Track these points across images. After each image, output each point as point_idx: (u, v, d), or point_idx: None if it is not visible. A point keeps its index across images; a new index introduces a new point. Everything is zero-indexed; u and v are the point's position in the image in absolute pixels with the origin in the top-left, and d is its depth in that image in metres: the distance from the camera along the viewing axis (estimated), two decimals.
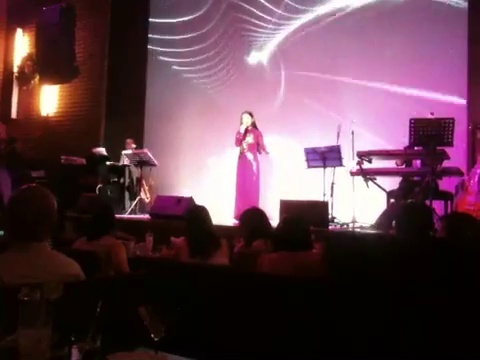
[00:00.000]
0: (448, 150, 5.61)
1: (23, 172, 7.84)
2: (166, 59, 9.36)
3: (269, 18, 8.53)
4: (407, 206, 3.16)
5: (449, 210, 5.88)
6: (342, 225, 6.30)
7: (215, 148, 8.54)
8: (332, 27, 7.95)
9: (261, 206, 6.91)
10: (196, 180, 8.64)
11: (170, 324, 1.55)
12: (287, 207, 5.90)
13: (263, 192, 7.57)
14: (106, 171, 8.38)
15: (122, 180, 8.41)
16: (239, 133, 7.42)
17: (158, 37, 9.50)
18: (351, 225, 6.14)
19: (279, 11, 8.44)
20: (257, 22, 8.65)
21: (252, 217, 4.06)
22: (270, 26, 8.54)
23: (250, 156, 7.45)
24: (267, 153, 7.54)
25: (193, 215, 3.96)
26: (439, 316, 1.95)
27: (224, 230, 5.17)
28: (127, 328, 1.85)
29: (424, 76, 7.17)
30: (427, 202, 5.49)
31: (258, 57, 8.71)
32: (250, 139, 7.43)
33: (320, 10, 8.13)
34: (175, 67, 9.23)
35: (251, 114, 7.46)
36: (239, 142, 7.48)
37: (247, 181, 7.42)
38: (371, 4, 7.71)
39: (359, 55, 7.67)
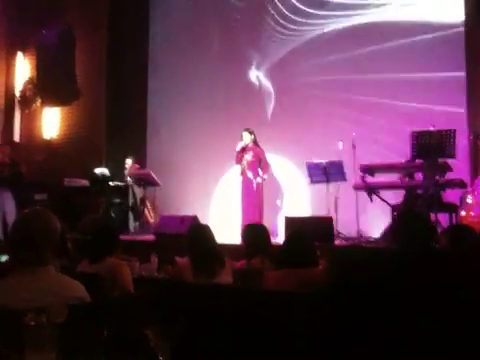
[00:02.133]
0: (451, 162, 5.60)
1: (27, 195, 7.85)
2: (167, 78, 9.41)
3: (269, 34, 8.60)
4: (401, 214, 3.12)
5: (454, 222, 5.85)
6: (347, 240, 6.28)
7: (220, 166, 8.54)
8: (331, 44, 8.01)
9: (266, 223, 6.91)
10: (201, 199, 8.63)
11: (177, 345, 1.53)
12: (292, 223, 5.89)
13: (268, 209, 7.55)
14: (109, 192, 8.38)
15: (126, 201, 8.40)
16: (238, 150, 7.43)
17: (158, 56, 9.58)
18: (356, 240, 6.12)
19: (278, 28, 8.52)
20: (257, 40, 8.72)
21: (251, 233, 4.03)
22: (271, 43, 8.61)
23: (250, 174, 7.43)
24: (262, 176, 7.40)
25: (195, 233, 3.91)
26: (444, 329, 1.93)
27: (230, 248, 5.14)
28: (134, 350, 1.83)
29: (423, 88, 7.20)
30: (432, 215, 5.47)
31: (258, 74, 8.76)
32: (249, 157, 7.41)
33: (319, 27, 8.21)
34: (176, 84, 9.28)
35: (251, 131, 7.45)
36: (238, 160, 7.48)
37: (249, 199, 7.40)
38: (369, 23, 7.78)
39: (359, 70, 7.72)
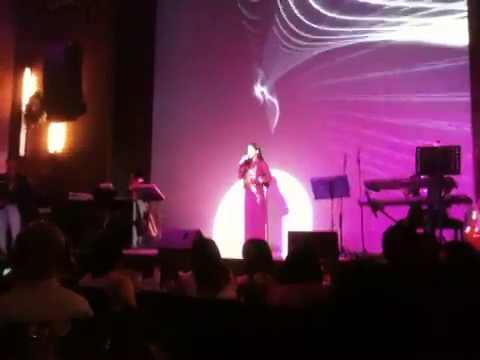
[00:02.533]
0: (456, 178, 5.59)
1: (32, 209, 7.85)
2: (172, 93, 9.47)
3: (275, 49, 8.66)
4: (387, 230, 3.12)
5: (459, 238, 5.82)
6: (352, 256, 6.24)
7: (224, 180, 8.53)
8: (337, 61, 8.06)
9: (270, 238, 6.89)
10: (205, 213, 8.63)
11: (180, 359, 1.52)
12: (296, 238, 5.87)
13: (271, 224, 7.54)
14: (113, 206, 8.38)
15: (130, 215, 8.40)
16: (240, 164, 7.43)
17: (164, 71, 9.64)
18: (360, 255, 6.08)
19: (284, 43, 8.58)
20: (261, 55, 8.79)
21: (252, 249, 4.00)
22: (276, 58, 8.66)
23: (254, 189, 7.43)
24: (263, 181, 7.40)
25: (199, 248, 3.89)
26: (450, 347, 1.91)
27: (234, 263, 5.11)
28: None
29: (429, 106, 7.22)
30: (437, 231, 5.45)
31: (263, 90, 8.80)
32: (253, 171, 7.42)
33: (326, 43, 8.26)
34: (181, 100, 9.32)
35: (255, 146, 7.47)
36: (241, 174, 7.48)
37: (253, 214, 7.39)
38: (376, 43, 7.85)
39: (365, 88, 7.76)
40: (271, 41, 8.70)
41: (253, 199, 7.41)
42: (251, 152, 7.43)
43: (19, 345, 1.37)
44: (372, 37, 7.89)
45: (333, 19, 8.17)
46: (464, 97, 7.00)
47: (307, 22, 8.40)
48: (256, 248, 4.00)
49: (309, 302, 2.81)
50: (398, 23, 7.72)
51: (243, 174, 7.45)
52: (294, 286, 3.03)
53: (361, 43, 7.92)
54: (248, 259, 3.89)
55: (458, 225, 5.90)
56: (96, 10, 9.35)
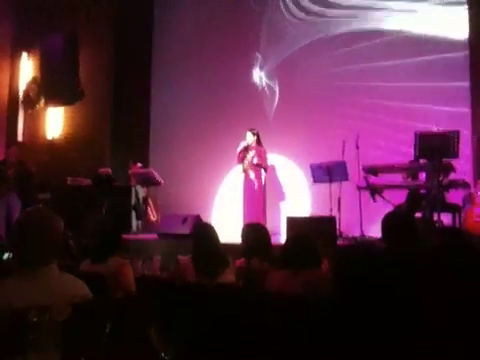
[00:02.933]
0: (454, 162, 5.59)
1: (32, 195, 7.84)
2: (170, 79, 9.42)
3: (273, 35, 8.61)
4: (386, 216, 3.12)
5: (457, 223, 5.84)
6: (350, 240, 6.27)
7: (223, 166, 8.53)
8: (337, 46, 8.01)
9: (269, 223, 6.91)
10: (204, 198, 8.64)
11: (179, 344, 1.53)
12: (294, 224, 5.87)
13: (270, 209, 7.55)
14: (112, 191, 8.38)
15: (128, 200, 8.41)
16: (239, 150, 7.44)
17: (163, 61, 9.59)
18: (359, 240, 6.11)
19: (285, 25, 8.52)
20: (260, 41, 8.73)
21: (251, 233, 4.00)
22: (275, 44, 8.61)
23: (252, 174, 7.44)
24: (258, 164, 7.40)
25: (199, 233, 3.91)
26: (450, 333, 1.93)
27: (232, 248, 5.13)
28: (136, 348, 1.83)
29: (428, 91, 7.20)
30: (435, 215, 5.46)
31: (260, 75, 8.76)
32: (251, 156, 7.42)
33: (325, 28, 8.20)
34: (180, 89, 9.28)
35: (254, 131, 7.48)
36: (239, 159, 7.49)
37: (251, 199, 7.40)
38: (376, 29, 7.81)
39: (364, 73, 7.73)
40: (269, 24, 8.63)
41: (251, 184, 7.43)
42: (250, 138, 7.44)
43: (20, 330, 1.38)
44: (366, 24, 7.84)
45: (335, 3, 8.12)
46: (464, 82, 6.98)
47: (307, 4, 8.35)
48: (254, 232, 4.01)
49: (308, 288, 2.83)
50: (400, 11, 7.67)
51: (242, 159, 7.46)
52: (293, 272, 3.04)
53: (360, 30, 7.87)
54: (246, 243, 3.91)
55: (456, 209, 5.92)
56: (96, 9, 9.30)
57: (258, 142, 7.49)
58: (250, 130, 7.49)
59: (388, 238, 2.99)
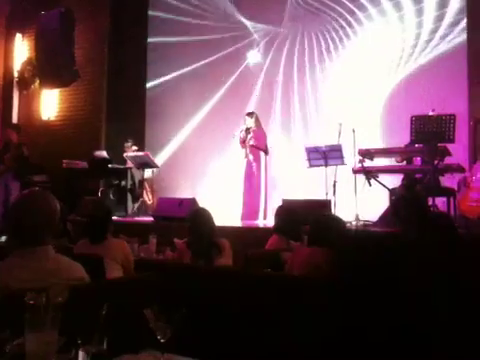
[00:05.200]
0: (450, 147, 5.60)
1: (28, 178, 7.83)
2: (166, 60, 9.36)
3: (274, 16, 8.54)
4: (400, 199, 3.15)
5: (452, 207, 5.87)
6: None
7: (219, 149, 8.51)
8: (332, 29, 7.96)
9: (268, 205, 6.97)
10: (200, 182, 8.64)
11: (176, 326, 1.55)
12: (289, 206, 5.88)
13: (269, 192, 7.55)
14: (108, 174, 8.38)
15: (124, 183, 8.41)
16: (241, 136, 7.43)
17: (158, 39, 9.50)
18: (354, 223, 6.14)
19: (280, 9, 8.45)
20: (255, 24, 8.66)
21: (284, 214, 4.35)
22: (269, 27, 8.55)
23: (251, 157, 7.44)
24: (253, 145, 7.40)
25: (194, 218, 3.93)
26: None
27: (230, 231, 5.16)
28: (133, 330, 1.85)
29: (424, 73, 7.19)
30: (429, 199, 5.49)
31: (257, 58, 8.70)
32: (251, 139, 7.41)
33: (323, 13, 8.14)
34: (175, 69, 9.22)
35: (252, 115, 7.45)
36: (242, 143, 7.49)
37: (250, 182, 7.42)
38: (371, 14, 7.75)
39: (361, 56, 7.70)
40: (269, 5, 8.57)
41: (250, 167, 7.43)
42: (249, 122, 7.42)
43: (16, 312, 1.39)
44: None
45: None
46: (461, 67, 6.96)
47: None
48: (288, 212, 4.38)
49: (329, 264, 2.90)
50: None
51: (243, 143, 7.45)
52: (317, 249, 3.12)
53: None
54: (280, 223, 4.26)
55: (451, 193, 5.95)
56: None
57: (257, 125, 7.46)
58: (247, 114, 7.48)
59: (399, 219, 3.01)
